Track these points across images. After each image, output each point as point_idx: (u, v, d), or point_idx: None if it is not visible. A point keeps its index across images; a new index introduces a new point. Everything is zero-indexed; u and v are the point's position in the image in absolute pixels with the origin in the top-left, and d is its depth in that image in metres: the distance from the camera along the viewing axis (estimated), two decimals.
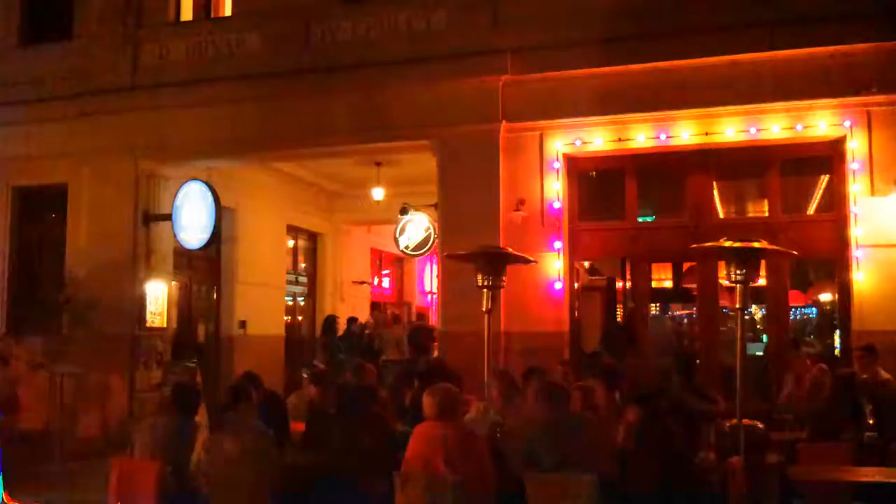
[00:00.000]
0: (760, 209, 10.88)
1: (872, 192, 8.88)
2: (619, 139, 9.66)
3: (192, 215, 10.98)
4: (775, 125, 9.18)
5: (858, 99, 8.88)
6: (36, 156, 11.85)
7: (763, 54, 9.02)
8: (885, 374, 7.87)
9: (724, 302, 10.57)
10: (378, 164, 13.40)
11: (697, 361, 10.17)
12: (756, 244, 5.75)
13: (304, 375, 7.78)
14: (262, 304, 13.87)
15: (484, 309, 6.28)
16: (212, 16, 12.08)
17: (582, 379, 8.46)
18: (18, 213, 12.42)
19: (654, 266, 11.72)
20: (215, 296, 13.38)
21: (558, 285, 9.65)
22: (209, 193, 10.91)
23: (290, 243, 15.83)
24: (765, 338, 11.02)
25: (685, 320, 13.63)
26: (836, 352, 10.13)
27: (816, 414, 7.09)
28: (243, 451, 5.51)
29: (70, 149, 11.62)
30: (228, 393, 5.97)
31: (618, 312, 12.89)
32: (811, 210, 10.63)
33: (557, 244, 9.69)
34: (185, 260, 12.53)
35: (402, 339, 13.57)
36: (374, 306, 18.18)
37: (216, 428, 5.90)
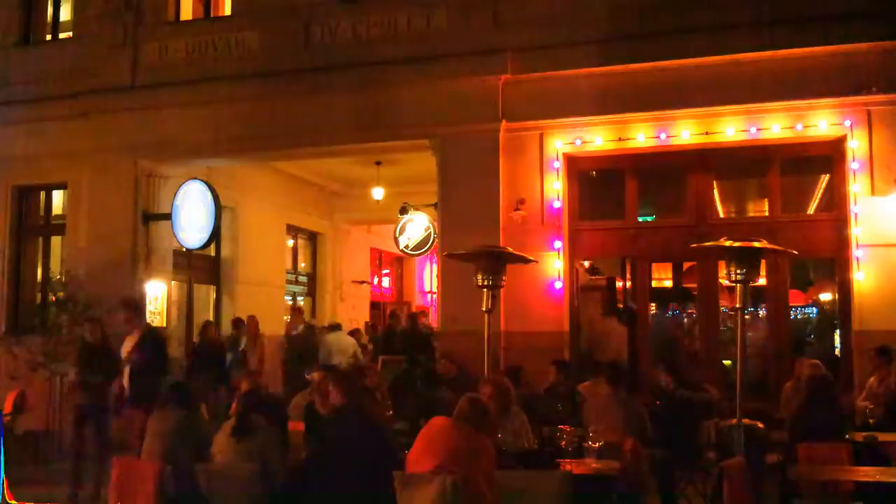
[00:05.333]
0: (760, 209, 10.88)
1: (872, 192, 8.88)
2: (619, 139, 9.66)
3: (192, 215, 10.98)
4: (775, 125, 9.18)
5: (858, 98, 8.88)
6: (36, 155, 11.83)
7: (763, 54, 9.02)
8: None
9: (724, 302, 10.56)
10: (378, 163, 13.40)
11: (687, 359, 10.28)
12: (756, 244, 5.76)
13: (308, 377, 7.78)
14: (261, 303, 13.85)
15: (484, 309, 6.28)
16: (211, 15, 12.08)
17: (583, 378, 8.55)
18: (18, 212, 12.41)
19: (654, 266, 11.72)
20: (215, 295, 13.38)
21: (558, 285, 9.64)
22: (209, 193, 10.91)
23: (290, 243, 15.83)
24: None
25: (685, 319, 13.61)
26: (836, 352, 10.13)
27: (792, 416, 7.04)
28: (249, 450, 5.51)
29: (70, 148, 11.61)
30: (245, 394, 5.99)
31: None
32: (811, 210, 10.63)
33: (557, 244, 9.69)
34: (184, 259, 12.53)
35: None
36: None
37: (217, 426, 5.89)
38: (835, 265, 9.61)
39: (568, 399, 7.97)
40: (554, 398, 7.99)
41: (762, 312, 11.16)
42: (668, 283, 15.05)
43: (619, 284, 12.75)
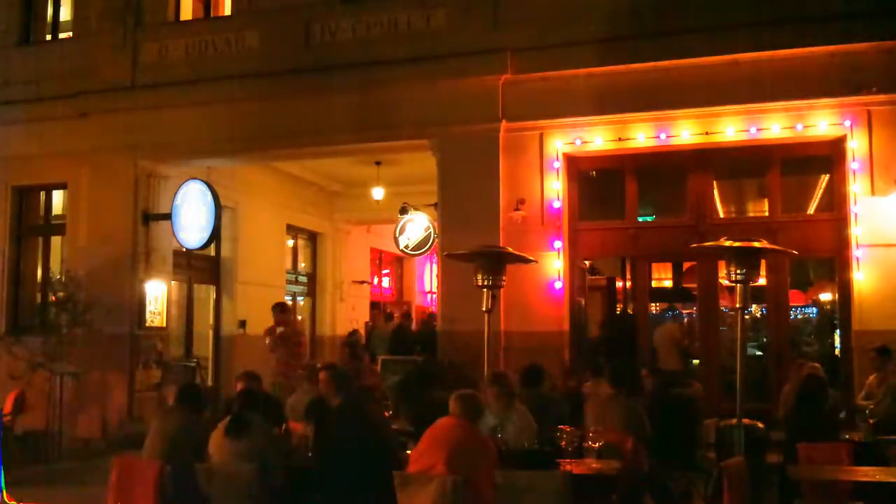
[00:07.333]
0: (760, 209, 10.89)
1: (872, 192, 8.87)
2: (619, 139, 9.66)
3: (192, 215, 10.98)
4: (775, 125, 9.18)
5: (858, 98, 8.88)
6: (36, 155, 11.83)
7: (763, 54, 9.02)
8: None
9: (724, 302, 10.57)
10: (378, 163, 13.40)
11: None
12: (756, 244, 5.77)
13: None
14: (262, 303, 13.84)
15: (484, 308, 6.29)
16: (211, 15, 12.08)
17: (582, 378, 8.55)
18: (18, 212, 12.41)
19: (654, 266, 11.72)
20: (215, 296, 13.37)
21: (558, 285, 9.64)
22: (209, 193, 10.91)
23: (290, 243, 15.83)
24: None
25: (685, 319, 13.63)
26: (836, 352, 10.14)
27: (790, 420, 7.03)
28: (245, 449, 5.51)
29: (70, 148, 11.61)
30: (240, 394, 5.98)
31: (617, 312, 12.88)
32: (811, 210, 10.64)
33: (557, 244, 9.69)
34: (184, 259, 12.53)
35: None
36: (374, 306, 18.17)
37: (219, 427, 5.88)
38: (835, 265, 9.62)
39: (569, 399, 7.97)
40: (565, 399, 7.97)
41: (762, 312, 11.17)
42: (668, 283, 15.08)
43: (619, 284, 12.78)
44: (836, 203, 9.44)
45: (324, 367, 7.02)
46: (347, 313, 16.42)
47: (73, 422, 10.66)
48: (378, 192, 13.99)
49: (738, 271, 5.74)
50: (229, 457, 5.53)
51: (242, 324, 13.43)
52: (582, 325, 10.68)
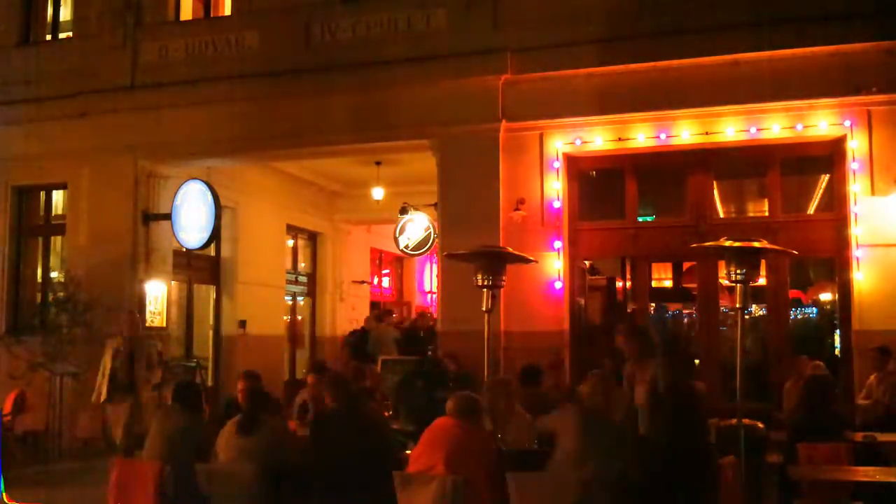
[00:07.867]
0: (760, 209, 10.89)
1: (872, 192, 8.88)
2: (619, 139, 9.66)
3: (192, 215, 10.98)
4: (775, 125, 9.18)
5: (858, 98, 8.88)
6: (36, 155, 11.83)
7: (763, 54, 9.03)
8: None
9: (724, 302, 10.57)
10: (378, 163, 13.40)
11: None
12: (756, 244, 5.76)
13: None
14: (262, 303, 13.86)
15: (484, 308, 6.28)
16: (211, 15, 12.09)
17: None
18: (18, 212, 12.41)
19: (654, 266, 11.70)
20: (215, 296, 13.37)
21: (558, 285, 9.64)
22: (209, 193, 10.91)
23: (290, 243, 15.82)
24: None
25: (685, 319, 13.62)
26: (836, 351, 10.13)
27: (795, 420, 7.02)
28: (254, 447, 5.52)
29: (70, 148, 11.61)
30: (250, 392, 5.98)
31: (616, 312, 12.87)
32: (811, 210, 10.64)
33: (557, 244, 9.69)
34: (184, 260, 12.54)
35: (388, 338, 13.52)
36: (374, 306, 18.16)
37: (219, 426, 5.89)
38: (835, 265, 9.61)
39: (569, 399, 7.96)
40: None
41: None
42: (668, 283, 15.07)
43: (619, 284, 12.76)
44: (836, 203, 9.44)
45: (315, 370, 7.05)
46: (347, 313, 16.42)
47: (73, 422, 10.65)
48: (378, 192, 13.99)
49: (738, 271, 5.73)
50: (238, 454, 5.53)
51: (242, 324, 13.43)
52: (583, 326, 10.67)
